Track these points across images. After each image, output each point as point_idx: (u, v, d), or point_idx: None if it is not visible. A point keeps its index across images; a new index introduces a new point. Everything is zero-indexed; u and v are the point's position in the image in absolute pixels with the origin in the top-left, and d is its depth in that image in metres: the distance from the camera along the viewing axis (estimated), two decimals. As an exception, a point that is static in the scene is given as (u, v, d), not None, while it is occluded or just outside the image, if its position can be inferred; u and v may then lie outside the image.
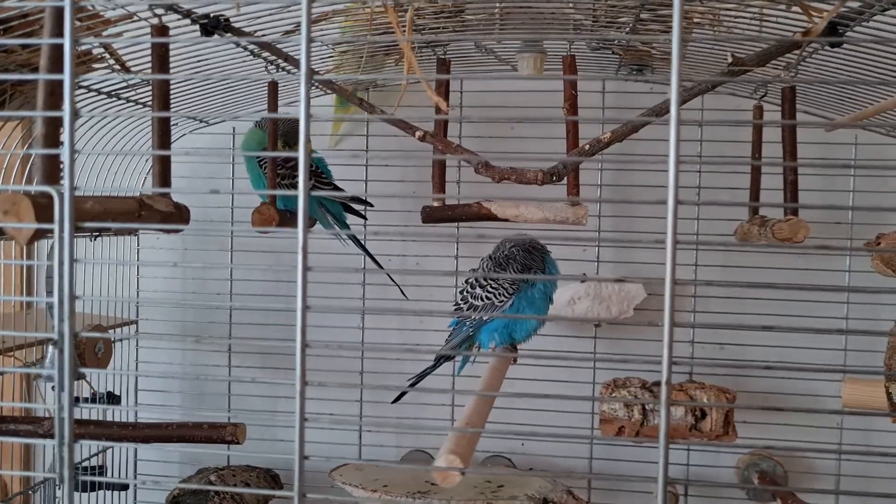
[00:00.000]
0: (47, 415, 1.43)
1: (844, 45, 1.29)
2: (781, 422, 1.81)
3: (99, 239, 1.74)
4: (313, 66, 0.75)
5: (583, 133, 1.44)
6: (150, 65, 1.16)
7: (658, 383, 1.63)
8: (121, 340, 1.97)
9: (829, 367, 1.80)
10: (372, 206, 1.80)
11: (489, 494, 1.67)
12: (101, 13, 1.18)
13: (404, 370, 1.84)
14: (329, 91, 1.65)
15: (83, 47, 1.23)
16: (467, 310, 1.51)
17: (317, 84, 1.58)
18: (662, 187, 0.73)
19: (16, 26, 1.10)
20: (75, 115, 0.77)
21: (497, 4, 1.35)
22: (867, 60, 1.35)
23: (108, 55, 1.29)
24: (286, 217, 1.59)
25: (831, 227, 1.77)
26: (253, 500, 1.80)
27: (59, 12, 0.77)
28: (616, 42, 1.55)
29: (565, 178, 1.34)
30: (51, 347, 1.65)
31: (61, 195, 0.77)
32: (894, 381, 1.23)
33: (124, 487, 1.96)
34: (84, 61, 1.27)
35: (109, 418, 1.83)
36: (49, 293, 1.67)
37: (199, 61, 1.45)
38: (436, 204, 1.48)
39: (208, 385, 2.10)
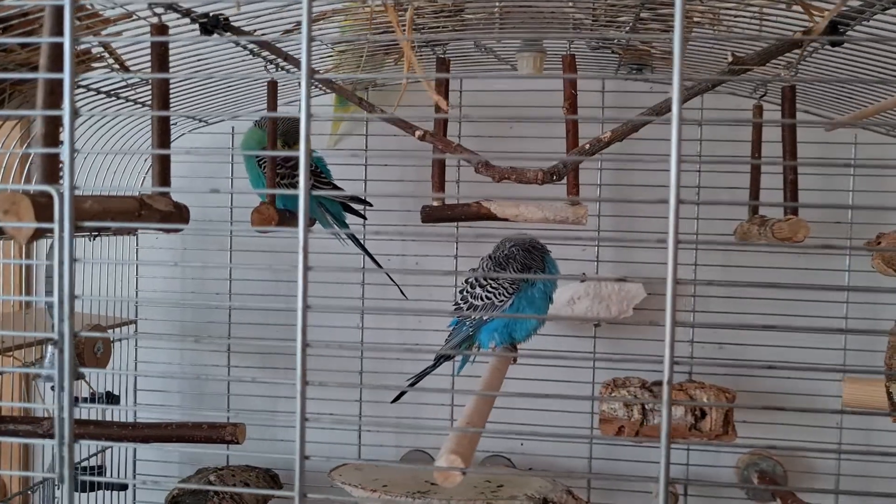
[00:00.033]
0: (46, 415, 1.43)
1: (844, 45, 1.29)
2: (781, 421, 1.81)
3: (98, 238, 1.74)
4: (313, 66, 0.75)
5: (582, 133, 1.44)
6: (149, 64, 1.16)
7: (658, 383, 1.64)
8: (120, 340, 1.96)
9: (830, 366, 1.80)
10: (371, 205, 1.80)
11: (489, 494, 1.67)
12: (101, 12, 1.17)
13: (404, 370, 1.84)
14: (328, 90, 1.64)
15: (83, 46, 1.23)
16: (467, 309, 1.51)
17: (316, 83, 1.57)
18: (662, 187, 0.73)
19: (15, 25, 1.10)
20: (75, 114, 0.77)
21: (497, 4, 1.35)
22: (867, 60, 1.35)
23: (107, 54, 1.29)
24: (285, 217, 1.59)
25: (831, 227, 1.77)
26: (252, 500, 1.80)
27: (58, 11, 0.77)
28: (616, 41, 1.54)
29: (565, 178, 1.34)
30: (50, 347, 1.64)
31: (61, 194, 0.77)
32: (894, 381, 1.23)
33: (123, 487, 1.96)
34: (83, 60, 1.26)
35: (108, 418, 1.83)
36: (48, 293, 1.67)
37: (198, 60, 1.45)
38: (435, 203, 1.48)
39: (207, 385, 2.10)
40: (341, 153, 2.05)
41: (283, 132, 1.67)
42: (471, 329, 1.50)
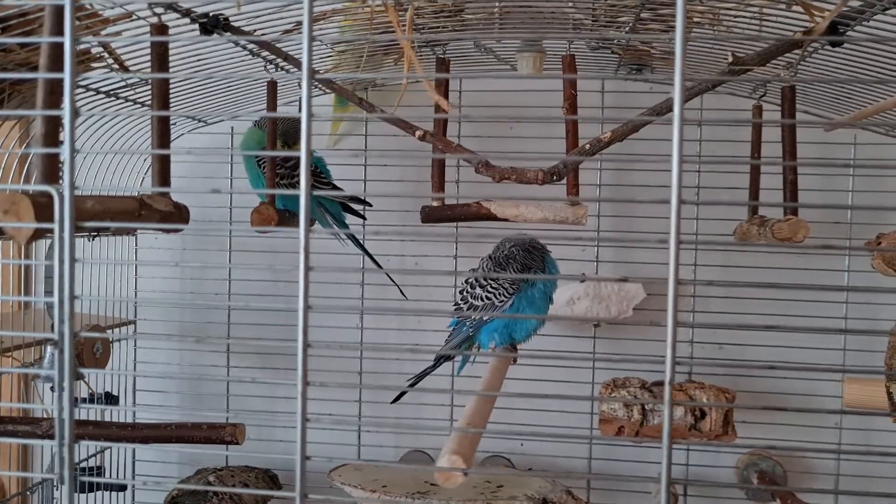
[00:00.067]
0: (45, 415, 1.43)
1: (844, 45, 1.29)
2: (781, 421, 1.81)
3: (97, 239, 1.73)
4: (313, 66, 0.75)
5: (582, 133, 1.44)
6: (148, 64, 1.16)
7: (657, 383, 1.64)
8: (119, 341, 1.96)
9: (831, 367, 1.80)
10: (371, 205, 1.80)
11: (488, 494, 1.66)
12: (100, 12, 1.17)
13: (403, 370, 1.84)
14: (328, 90, 1.64)
15: (82, 46, 1.23)
16: (467, 310, 1.51)
17: (316, 83, 1.57)
18: (662, 187, 0.73)
19: (14, 25, 1.09)
20: (75, 113, 0.77)
21: (497, 4, 1.35)
22: (867, 60, 1.35)
23: (106, 54, 1.29)
24: (285, 217, 1.59)
25: (831, 227, 1.77)
26: (252, 501, 1.79)
27: (59, 11, 0.77)
28: (616, 41, 1.54)
29: (565, 178, 1.34)
30: (49, 348, 1.64)
31: (61, 195, 0.76)
32: (895, 381, 1.23)
33: (123, 488, 1.95)
34: (83, 60, 1.26)
35: (108, 419, 1.83)
36: (48, 293, 1.67)
37: (198, 60, 1.45)
38: (435, 203, 1.48)
39: (206, 385, 2.10)
40: (341, 153, 2.05)
41: (283, 132, 1.67)
42: (471, 329, 1.50)
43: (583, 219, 1.38)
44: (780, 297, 1.75)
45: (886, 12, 1.12)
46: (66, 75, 0.76)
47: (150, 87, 1.50)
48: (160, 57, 1.11)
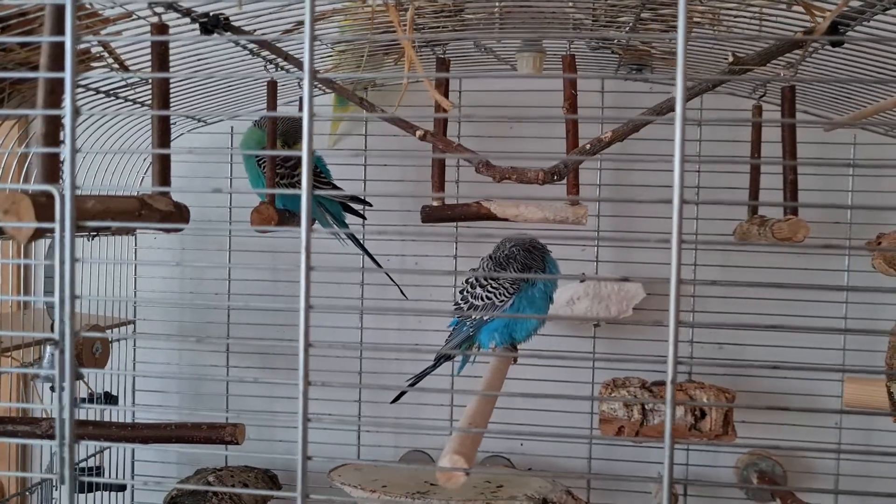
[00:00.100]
0: (44, 415, 1.42)
1: (844, 45, 1.29)
2: (780, 421, 1.81)
3: (96, 238, 1.73)
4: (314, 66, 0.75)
5: (582, 133, 1.44)
6: (148, 64, 1.16)
7: (657, 383, 1.64)
8: (118, 340, 1.96)
9: (830, 366, 1.80)
10: (371, 205, 1.80)
11: (488, 494, 1.66)
12: (100, 12, 1.17)
13: (403, 370, 1.83)
14: (328, 90, 1.64)
15: (83, 46, 1.22)
16: (467, 309, 1.51)
17: (317, 83, 1.57)
18: (661, 187, 0.73)
19: (14, 24, 1.09)
20: (76, 113, 0.77)
21: (497, 4, 1.35)
22: (866, 60, 1.35)
23: (106, 54, 1.29)
24: (285, 216, 1.59)
25: (830, 227, 1.78)
26: (251, 501, 1.79)
27: (59, 10, 0.77)
28: (616, 41, 1.54)
29: (565, 178, 1.34)
30: (49, 348, 1.64)
31: (62, 194, 0.76)
32: (895, 381, 1.23)
33: (122, 488, 1.95)
34: (82, 60, 1.26)
35: (107, 419, 1.82)
36: (47, 293, 1.67)
37: (197, 60, 1.45)
38: (435, 203, 1.48)
39: (205, 385, 2.10)
40: (341, 153, 2.05)
41: (283, 132, 1.67)
42: (471, 329, 1.50)
43: (583, 219, 1.38)
44: (779, 297, 1.75)
45: (886, 12, 1.12)
46: (67, 74, 0.76)
47: (149, 86, 1.50)
48: (160, 56, 1.11)
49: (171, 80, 1.28)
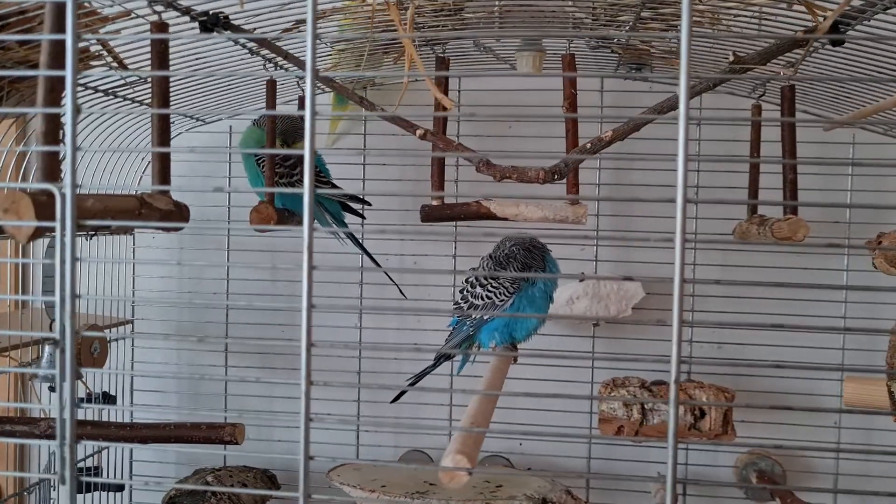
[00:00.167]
0: (43, 415, 1.42)
1: (844, 44, 1.29)
2: (780, 421, 1.81)
3: (94, 238, 1.73)
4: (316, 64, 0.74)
5: (581, 133, 1.43)
6: (147, 63, 1.15)
7: (657, 383, 1.64)
8: (116, 340, 1.95)
9: (830, 366, 1.80)
10: (370, 204, 1.79)
11: (488, 494, 1.66)
12: (99, 10, 1.17)
13: (403, 370, 1.83)
14: (327, 89, 1.64)
15: (82, 44, 1.22)
16: (467, 309, 1.51)
17: (318, 82, 1.57)
18: (661, 186, 0.73)
19: (13, 23, 1.09)
20: (77, 111, 0.76)
21: (497, 2, 1.34)
22: (866, 59, 1.35)
23: (105, 52, 1.28)
24: (284, 216, 1.58)
25: (830, 226, 1.78)
26: (250, 501, 1.79)
27: (60, 8, 0.76)
28: (616, 41, 1.54)
29: (565, 177, 1.33)
30: (48, 347, 1.64)
31: (62, 193, 0.76)
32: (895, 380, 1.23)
33: (120, 488, 1.95)
34: (82, 59, 1.25)
35: (105, 418, 1.82)
36: (46, 292, 1.66)
37: (196, 59, 1.44)
38: (434, 203, 1.47)
39: (204, 385, 2.09)
40: (340, 152, 2.05)
41: (282, 131, 1.66)
42: (471, 329, 1.50)
43: (583, 218, 1.38)
44: (779, 297, 1.75)
45: (887, 12, 1.12)
46: (68, 73, 0.76)
47: (148, 85, 1.50)
48: (160, 55, 1.11)
49: (171, 79, 1.28)
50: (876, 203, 1.82)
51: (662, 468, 0.73)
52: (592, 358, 1.67)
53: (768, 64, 1.30)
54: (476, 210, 1.41)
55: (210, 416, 1.93)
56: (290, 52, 1.36)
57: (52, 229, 0.77)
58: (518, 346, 1.52)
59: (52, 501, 1.82)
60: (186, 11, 1.16)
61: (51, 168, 0.81)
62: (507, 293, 1.48)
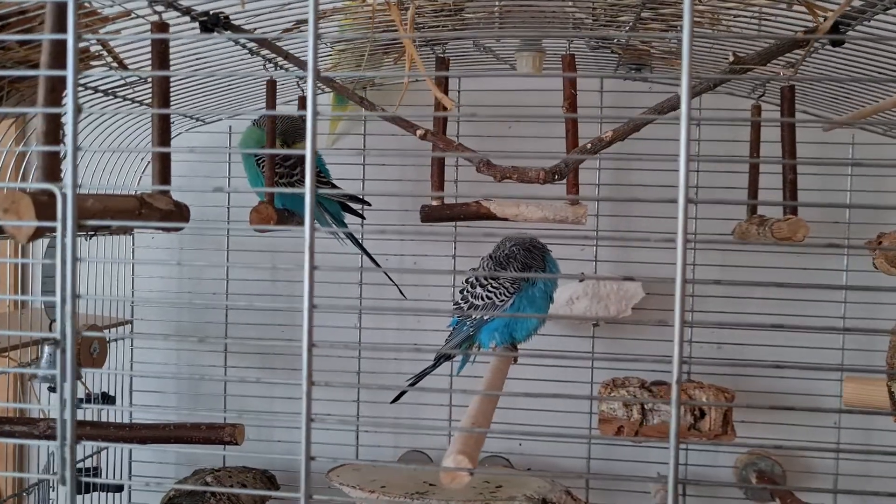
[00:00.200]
0: (42, 416, 1.42)
1: (844, 45, 1.29)
2: (780, 421, 1.81)
3: (94, 238, 1.73)
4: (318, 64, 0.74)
5: (581, 133, 1.43)
6: (147, 63, 1.15)
7: (657, 383, 1.63)
8: (116, 340, 1.95)
9: (832, 366, 1.80)
10: (370, 204, 1.79)
11: (487, 495, 1.66)
12: (99, 10, 1.16)
13: (402, 370, 1.83)
14: (327, 90, 1.64)
15: (83, 44, 1.22)
16: (467, 309, 1.51)
17: (319, 82, 1.57)
18: (661, 186, 0.73)
19: (13, 23, 1.09)
20: (78, 111, 0.76)
21: (497, 3, 1.34)
22: (866, 60, 1.35)
23: (105, 52, 1.28)
24: (284, 216, 1.58)
25: (830, 227, 1.78)
26: (250, 501, 1.79)
27: (61, 8, 0.76)
28: (616, 41, 1.54)
29: (565, 178, 1.33)
30: (47, 348, 1.63)
31: (63, 193, 0.76)
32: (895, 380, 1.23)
33: (119, 489, 1.94)
34: (82, 59, 1.25)
35: (104, 419, 1.82)
36: (45, 292, 1.66)
37: (196, 59, 1.44)
38: (434, 203, 1.47)
39: (204, 385, 2.09)
40: (340, 152, 2.04)
41: (282, 131, 1.66)
42: (471, 329, 1.50)
43: (582, 218, 1.38)
44: (779, 297, 1.75)
45: (887, 12, 1.12)
46: (69, 73, 0.75)
47: (148, 85, 1.50)
48: (161, 55, 1.11)
49: (171, 79, 1.28)
50: (876, 203, 1.82)
51: (662, 468, 0.73)
52: (592, 358, 1.67)
53: (768, 64, 1.30)
54: (476, 210, 1.41)
55: (210, 416, 1.93)
56: (290, 52, 1.36)
57: (53, 229, 0.77)
58: (518, 347, 1.51)
59: (51, 502, 1.82)
60: (187, 11, 1.16)
61: (51, 168, 0.81)
62: (507, 293, 1.48)
